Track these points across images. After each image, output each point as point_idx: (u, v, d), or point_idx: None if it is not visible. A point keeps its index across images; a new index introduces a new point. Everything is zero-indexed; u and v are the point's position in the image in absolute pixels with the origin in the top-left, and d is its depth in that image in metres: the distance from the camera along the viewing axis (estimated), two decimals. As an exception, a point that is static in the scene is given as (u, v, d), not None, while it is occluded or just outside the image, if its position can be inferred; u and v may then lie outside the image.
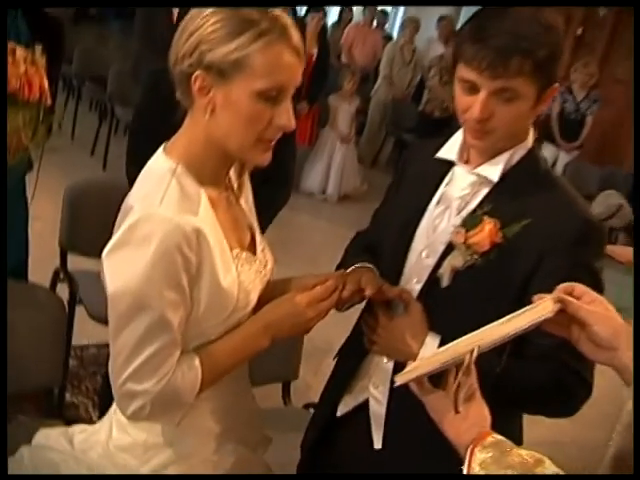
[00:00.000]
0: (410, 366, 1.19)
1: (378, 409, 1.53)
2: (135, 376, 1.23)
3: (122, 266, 1.19)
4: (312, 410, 2.47)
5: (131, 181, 2.30)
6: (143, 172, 1.29)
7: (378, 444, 1.53)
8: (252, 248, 1.39)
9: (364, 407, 1.56)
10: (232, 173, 1.41)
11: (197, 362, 1.28)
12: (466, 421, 1.09)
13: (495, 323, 1.09)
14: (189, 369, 1.27)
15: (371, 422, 1.55)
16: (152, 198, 1.21)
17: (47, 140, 1.96)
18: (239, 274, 1.30)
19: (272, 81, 1.19)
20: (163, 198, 1.20)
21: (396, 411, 1.50)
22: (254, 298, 1.35)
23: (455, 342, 1.13)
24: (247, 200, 1.46)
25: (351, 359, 1.60)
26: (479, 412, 1.10)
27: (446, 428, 1.11)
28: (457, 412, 1.08)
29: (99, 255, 3.23)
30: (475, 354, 1.06)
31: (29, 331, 2.01)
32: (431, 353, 1.22)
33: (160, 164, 1.28)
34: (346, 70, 6.80)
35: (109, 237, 3.03)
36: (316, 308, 1.35)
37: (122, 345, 1.22)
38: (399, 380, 1.18)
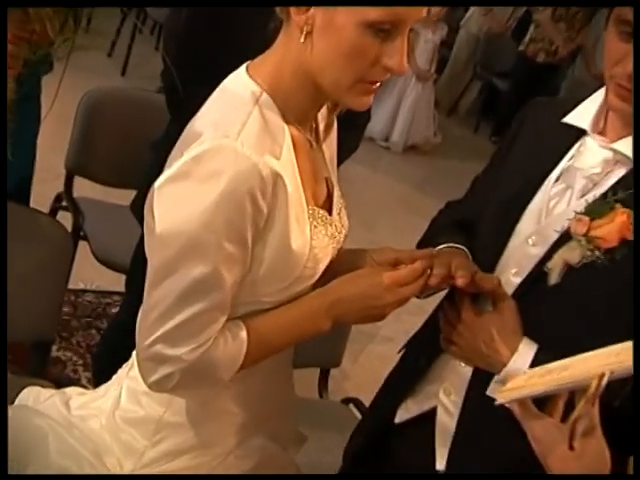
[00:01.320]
0: (514, 382, 1.19)
1: (447, 422, 1.54)
2: (169, 337, 1.24)
3: (179, 202, 1.20)
4: (352, 407, 2.54)
5: (168, 91, 2.29)
6: (218, 93, 1.29)
7: (441, 465, 1.55)
8: (327, 207, 1.40)
9: (429, 417, 1.58)
10: (322, 111, 1.41)
11: (244, 333, 1.30)
12: (580, 461, 1.09)
13: (632, 343, 1.08)
14: (233, 339, 1.29)
15: (435, 437, 1.57)
16: (228, 127, 1.20)
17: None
18: (311, 237, 1.31)
19: (389, 12, 1.16)
20: (242, 130, 1.20)
21: (469, 427, 1.51)
22: (322, 268, 1.36)
23: (571, 360, 1.13)
24: (330, 147, 1.46)
25: (420, 356, 1.61)
26: (598, 452, 1.10)
27: (552, 465, 1.12)
28: (571, 448, 1.09)
29: (112, 183, 3.29)
30: (605, 380, 1.05)
31: (26, 267, 2.04)
32: (537, 368, 1.22)
33: (241, 87, 1.27)
34: (435, -11, 6.72)
35: (126, 161, 3.04)
36: (397, 293, 1.35)
37: (160, 297, 1.23)
38: (500, 398, 1.19)
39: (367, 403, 1.92)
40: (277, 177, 1.22)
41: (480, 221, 1.57)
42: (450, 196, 1.78)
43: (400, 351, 1.71)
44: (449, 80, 8.03)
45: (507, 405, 1.21)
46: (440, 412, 1.56)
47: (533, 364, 1.37)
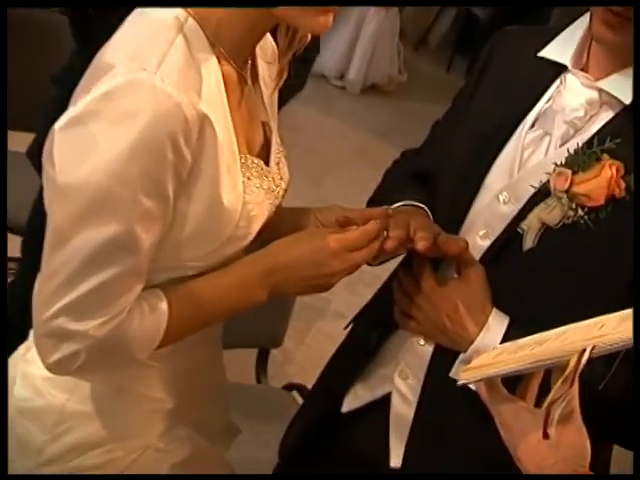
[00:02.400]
0: (480, 359, 1.21)
1: (403, 410, 1.57)
2: (73, 309, 1.23)
3: (85, 148, 1.17)
4: (296, 394, 2.58)
5: (73, 13, 2.23)
6: (134, 16, 1.28)
7: (396, 461, 1.58)
8: (264, 156, 1.41)
9: (383, 405, 1.60)
10: (269, 45, 1.42)
11: (164, 304, 1.31)
12: (556, 451, 1.10)
13: (620, 314, 1.08)
14: (151, 312, 1.30)
15: (390, 428, 1.59)
16: (145, 58, 1.19)
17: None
18: (245, 190, 1.32)
19: None
20: (162, 62, 1.18)
21: (429, 416, 1.54)
22: (256, 229, 1.37)
23: (547, 334, 1.14)
24: (271, 87, 1.47)
25: (371, 333, 1.63)
26: (577, 441, 1.11)
27: (522, 455, 1.13)
28: (545, 437, 1.09)
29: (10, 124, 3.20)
30: (586, 357, 1.04)
31: None
32: (508, 344, 1.23)
33: (163, 10, 1.25)
34: None
35: (22, 98, 2.98)
36: (346, 259, 1.36)
37: (62, 262, 1.22)
38: (463, 378, 1.20)
39: (314, 390, 1.93)
40: (204, 119, 1.21)
41: (441, 174, 1.58)
42: (417, 146, 1.79)
43: (347, 327, 1.73)
44: (417, 7, 8.02)
45: (471, 386, 1.23)
46: (395, 399, 1.58)
47: (504, 340, 1.39)
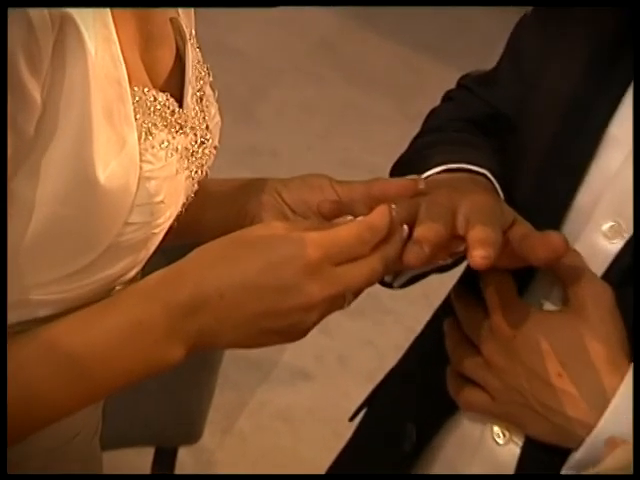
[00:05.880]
0: (617, 457, 1.13)
1: None
2: None
3: None
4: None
5: None
6: None
7: None
8: (172, 88, 1.34)
9: None
10: None
11: None
12: None
13: None
14: None
15: None
16: None
17: None
18: (142, 155, 1.23)
19: None
20: None
21: None
22: (164, 227, 1.30)
23: None
24: None
25: (407, 426, 1.56)
26: None
27: None
28: None
29: None
30: None
31: None
32: None
33: None
34: None
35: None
36: (334, 279, 1.24)
37: None
38: None
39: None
40: (64, 23, 1.13)
41: (530, 120, 1.52)
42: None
43: (354, 417, 1.70)
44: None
45: None
46: None
47: None
